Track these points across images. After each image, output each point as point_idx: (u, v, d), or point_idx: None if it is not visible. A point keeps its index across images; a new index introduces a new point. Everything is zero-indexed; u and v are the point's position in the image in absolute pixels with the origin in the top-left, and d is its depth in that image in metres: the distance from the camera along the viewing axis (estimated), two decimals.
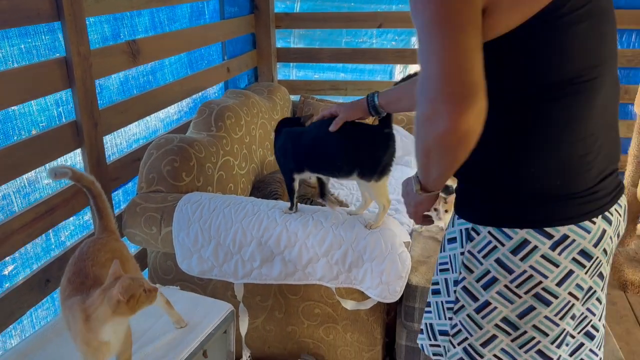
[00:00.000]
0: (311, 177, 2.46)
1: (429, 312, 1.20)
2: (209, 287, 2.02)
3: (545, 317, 1.00)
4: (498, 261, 1.00)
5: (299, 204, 1.92)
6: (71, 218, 1.86)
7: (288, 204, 1.90)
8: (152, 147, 2.07)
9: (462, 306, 1.07)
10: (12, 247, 1.62)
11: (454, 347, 1.11)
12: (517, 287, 0.99)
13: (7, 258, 1.62)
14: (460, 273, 1.06)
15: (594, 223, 0.97)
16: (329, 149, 1.68)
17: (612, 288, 2.78)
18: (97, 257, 1.30)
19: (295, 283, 1.88)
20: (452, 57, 0.79)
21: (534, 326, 1.01)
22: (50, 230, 1.77)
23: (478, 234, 1.02)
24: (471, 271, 1.04)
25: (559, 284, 0.98)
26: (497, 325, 1.04)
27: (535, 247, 0.96)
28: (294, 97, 3.43)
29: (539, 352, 1.03)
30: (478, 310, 1.04)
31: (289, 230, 1.83)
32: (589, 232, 0.96)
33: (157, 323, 1.55)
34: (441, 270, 1.14)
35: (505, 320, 1.03)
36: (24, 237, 1.65)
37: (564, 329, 1.03)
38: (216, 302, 1.70)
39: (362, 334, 1.95)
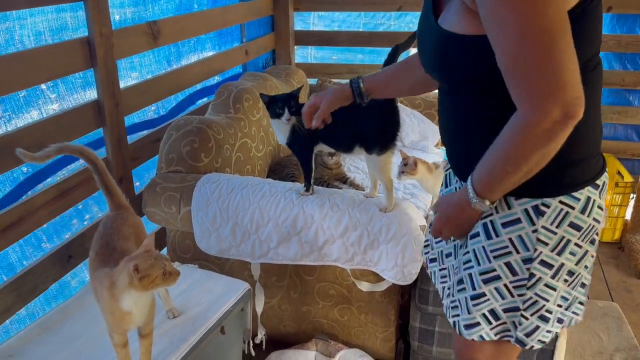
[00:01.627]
0: (332, 158, 2.49)
1: (484, 301, 1.15)
2: (227, 267, 2.05)
3: (591, 255, 1.14)
4: (571, 224, 1.08)
5: (315, 186, 1.93)
6: (93, 195, 1.90)
7: (303, 186, 1.92)
8: (172, 128, 2.10)
9: (539, 279, 1.11)
10: (35, 224, 1.66)
11: (527, 319, 1.14)
12: (582, 240, 1.10)
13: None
14: (536, 250, 1.09)
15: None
16: (333, 119, 1.72)
17: (628, 276, 2.77)
18: (122, 231, 1.33)
19: (311, 264, 1.90)
20: (569, 62, 0.89)
21: (585, 266, 1.14)
22: (73, 208, 1.81)
23: (548, 206, 1.07)
24: (546, 244, 1.09)
25: (601, 223, 1.13)
26: (564, 280, 1.13)
27: (594, 200, 1.09)
28: (312, 81, 3.43)
29: (582, 284, 1.17)
30: (554, 276, 1.11)
31: (306, 212, 1.85)
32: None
33: (176, 300, 1.59)
34: (496, 257, 1.12)
35: (569, 272, 1.13)
36: (47, 214, 1.69)
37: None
38: (234, 280, 1.73)
39: (376, 315, 1.97)
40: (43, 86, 1.72)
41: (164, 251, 2.18)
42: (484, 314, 1.16)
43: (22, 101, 1.66)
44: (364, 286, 1.90)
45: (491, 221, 1.11)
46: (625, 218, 3.07)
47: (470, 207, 1.09)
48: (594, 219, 1.10)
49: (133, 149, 2.05)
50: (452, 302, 1.24)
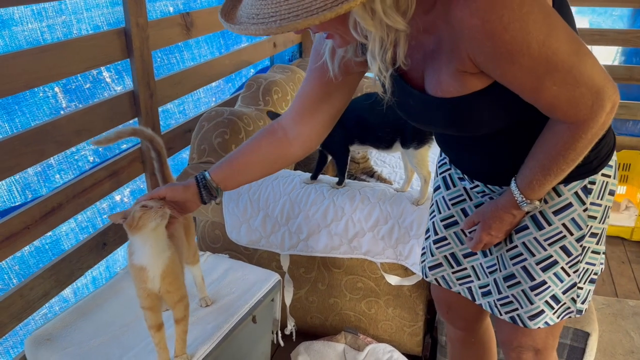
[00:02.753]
0: (359, 152, 2.50)
1: (546, 288, 1.16)
2: (255, 257, 2.06)
3: (610, 207, 1.18)
4: (610, 192, 1.14)
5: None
6: (129, 184, 1.93)
7: (335, 179, 1.92)
8: (204, 120, 2.12)
9: (588, 249, 1.15)
10: (72, 211, 1.69)
11: (581, 288, 1.18)
12: (610, 201, 1.15)
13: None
14: (587, 226, 1.12)
15: None
16: (372, 118, 1.76)
17: None
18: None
19: (340, 256, 1.91)
20: (595, 61, 0.91)
21: (608, 217, 1.18)
22: (108, 196, 1.84)
23: (594, 183, 1.11)
24: (595, 218, 1.13)
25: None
26: (603, 241, 1.19)
27: (616, 161, 1.15)
28: None
29: (605, 236, 1.20)
30: (598, 242, 1.16)
31: (336, 204, 1.85)
32: None
33: (207, 289, 1.60)
34: (551, 244, 1.14)
35: (605, 232, 1.18)
36: (84, 201, 1.72)
37: None
38: (264, 271, 1.74)
39: (404, 309, 1.97)
40: (108, 79, 1.76)
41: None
42: (546, 301, 1.17)
43: (88, 93, 1.69)
44: (393, 280, 1.90)
45: (541, 212, 1.12)
46: None
47: (519, 210, 1.10)
48: (615, 179, 1.15)
49: (166, 139, 2.07)
50: (500, 299, 1.23)
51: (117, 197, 1.96)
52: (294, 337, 2.04)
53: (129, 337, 1.47)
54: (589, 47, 0.91)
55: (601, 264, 1.22)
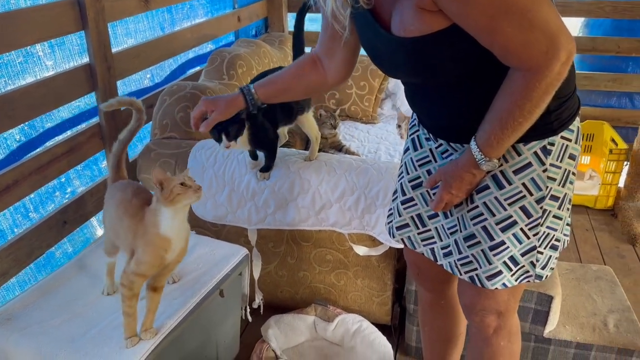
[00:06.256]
0: (330, 129, 2.48)
1: (505, 249, 1.17)
2: (223, 233, 2.04)
3: (573, 172, 1.19)
4: (570, 156, 1.15)
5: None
6: (85, 162, 1.88)
7: (299, 152, 1.91)
8: (165, 94, 2.07)
9: (549, 213, 1.16)
10: (29, 188, 1.64)
11: (541, 253, 1.19)
12: (575, 167, 1.17)
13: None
14: (547, 187, 1.14)
15: None
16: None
17: (620, 242, 2.81)
18: (141, 188, 1.42)
19: (308, 229, 1.90)
20: (552, 8, 0.92)
21: (571, 184, 1.19)
22: (56, 180, 1.79)
23: (553, 144, 1.12)
24: (554, 179, 1.14)
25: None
26: (567, 208, 1.20)
27: (580, 128, 1.17)
28: (305, 49, 3.38)
29: (569, 201, 1.21)
30: (560, 206, 1.17)
31: (302, 177, 1.84)
32: None
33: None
34: (511, 204, 1.14)
35: (569, 200, 1.20)
36: (40, 178, 1.67)
37: None
38: (232, 246, 1.73)
39: (372, 279, 1.98)
40: (40, 52, 1.68)
41: None
42: (504, 262, 1.18)
43: (19, 67, 1.62)
44: (361, 250, 1.90)
45: (501, 171, 1.13)
46: (619, 185, 3.09)
47: (479, 169, 1.11)
48: (579, 145, 1.18)
49: (126, 114, 2.02)
50: (460, 259, 1.24)
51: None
52: (261, 311, 2.03)
53: (92, 314, 1.44)
54: None
55: (565, 235, 1.23)
